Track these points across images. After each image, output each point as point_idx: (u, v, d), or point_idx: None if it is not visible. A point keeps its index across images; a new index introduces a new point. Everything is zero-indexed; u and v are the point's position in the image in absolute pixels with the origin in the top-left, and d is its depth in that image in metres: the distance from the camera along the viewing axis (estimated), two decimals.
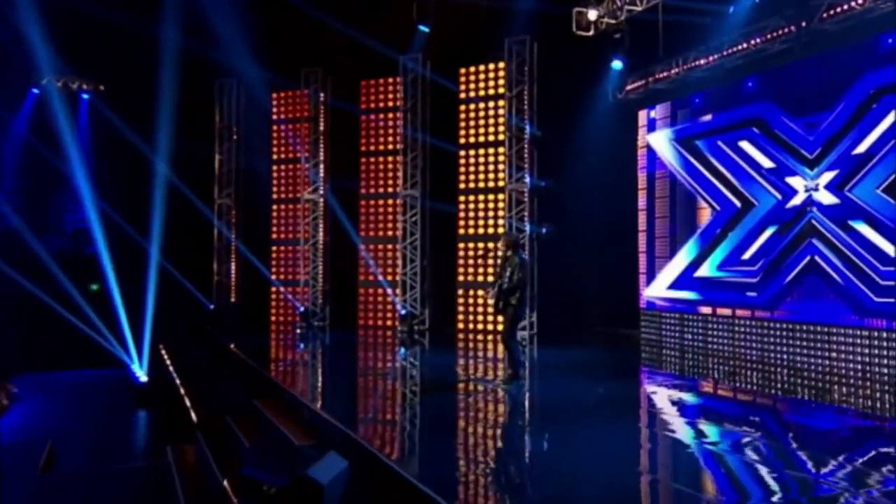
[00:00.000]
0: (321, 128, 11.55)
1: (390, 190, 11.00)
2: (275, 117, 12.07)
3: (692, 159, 7.94)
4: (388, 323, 10.92)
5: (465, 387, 6.12)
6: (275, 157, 12.15)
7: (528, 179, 9.75)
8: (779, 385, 6.42)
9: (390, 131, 11.16)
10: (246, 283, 12.22)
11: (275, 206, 12.10)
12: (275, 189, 12.13)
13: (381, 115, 11.21)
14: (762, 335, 6.99)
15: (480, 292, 10.14)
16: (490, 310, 9.86)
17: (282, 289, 11.75)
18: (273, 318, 11.86)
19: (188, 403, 6.84)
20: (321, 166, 11.42)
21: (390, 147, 11.08)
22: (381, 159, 11.19)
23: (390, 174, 11.04)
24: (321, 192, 11.42)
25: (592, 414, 5.10)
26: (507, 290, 5.81)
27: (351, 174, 11.25)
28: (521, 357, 5.89)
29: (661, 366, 7.53)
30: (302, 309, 11.31)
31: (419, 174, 10.53)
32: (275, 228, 12.06)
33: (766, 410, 5.58)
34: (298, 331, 10.86)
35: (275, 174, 12.15)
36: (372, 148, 11.25)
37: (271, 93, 11.94)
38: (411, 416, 5.21)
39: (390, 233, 10.97)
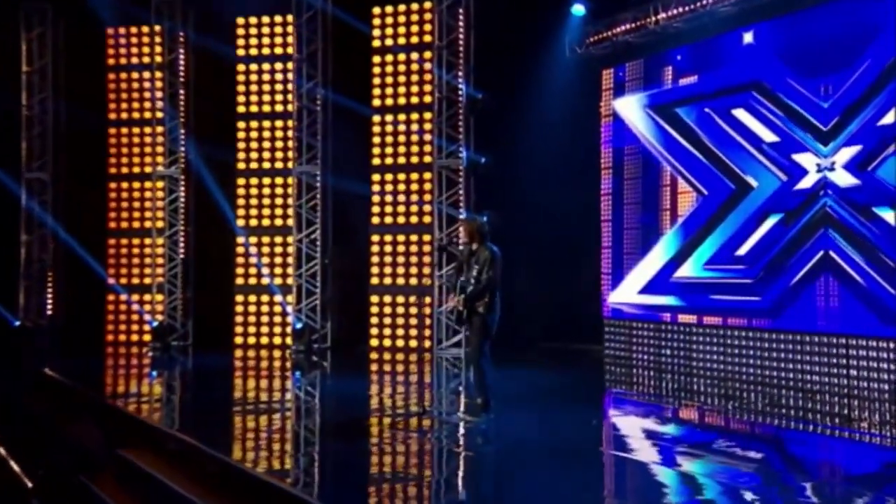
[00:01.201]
0: (181, 79, 10.65)
1: (280, 165, 10.53)
2: (112, 62, 11.09)
3: (672, 131, 7.79)
4: (278, 341, 10.48)
5: (412, 422, 5.85)
6: (112, 116, 11.11)
7: (462, 154, 9.60)
8: (783, 410, 6.41)
9: (279, 87, 10.57)
10: (71, 289, 11.18)
11: (113, 184, 11.12)
12: (113, 160, 11.13)
13: (268, 66, 10.60)
14: (762, 349, 6.92)
15: (412, 299, 9.84)
16: (413, 321, 9.76)
17: (124, 297, 10.93)
18: (111, 337, 10.95)
19: (14, 465, 6.04)
20: (181, 131, 10.54)
21: (279, 108, 10.64)
22: (266, 124, 10.72)
23: (279, 144, 10.60)
24: (182, 165, 10.57)
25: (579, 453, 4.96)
26: (473, 295, 5.47)
27: (225, 143, 10.56)
28: (492, 382, 5.58)
29: (631, 388, 7.58)
30: (155, 324, 10.48)
31: (319, 145, 10.12)
32: (113, 214, 11.09)
33: (769, 444, 5.53)
34: (151, 354, 10.12)
35: (112, 140, 11.12)
36: (254, 108, 10.72)
37: (106, 28, 10.97)
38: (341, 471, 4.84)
39: (279, 221, 10.53)
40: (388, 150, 10.15)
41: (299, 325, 9.97)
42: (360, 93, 10.07)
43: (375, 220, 10.20)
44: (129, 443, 5.59)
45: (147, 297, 10.62)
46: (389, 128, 10.14)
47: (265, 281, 10.41)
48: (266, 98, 10.59)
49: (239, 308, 10.54)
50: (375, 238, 10.19)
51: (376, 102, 10.16)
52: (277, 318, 10.39)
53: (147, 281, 10.69)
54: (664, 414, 6.45)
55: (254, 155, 10.57)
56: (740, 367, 7.05)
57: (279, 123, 10.52)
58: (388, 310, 10.10)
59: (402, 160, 10.10)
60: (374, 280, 10.17)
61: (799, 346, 6.63)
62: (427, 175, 9.91)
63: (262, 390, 7.82)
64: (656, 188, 7.96)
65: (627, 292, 8.21)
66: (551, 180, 9.12)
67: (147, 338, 10.56)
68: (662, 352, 7.82)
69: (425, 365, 9.20)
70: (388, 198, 10.07)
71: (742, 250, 7.11)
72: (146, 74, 10.72)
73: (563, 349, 9.57)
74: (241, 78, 10.60)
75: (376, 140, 10.18)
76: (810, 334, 6.53)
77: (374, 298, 10.15)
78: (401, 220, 10.08)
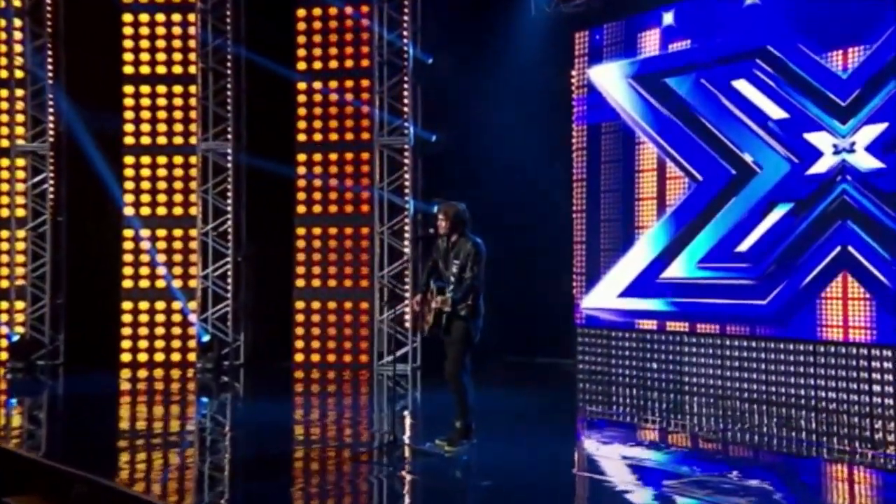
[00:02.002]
0: (48, 28, 10.22)
1: (179, 141, 10.39)
2: None
3: (660, 106, 7.72)
4: (177, 357, 10.38)
5: (368, 455, 5.82)
6: None
7: (409, 131, 9.72)
8: (793, 433, 6.42)
9: (178, 43, 10.30)
10: None
11: None
12: None
13: (163, 16, 10.27)
14: (767, 361, 6.87)
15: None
16: (347, 331, 9.75)
17: None
18: None
19: None
20: (49, 96, 10.19)
21: (178, 70, 10.37)
22: (163, 89, 10.42)
23: (179, 114, 10.40)
24: (50, 139, 10.22)
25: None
26: (460, 295, 5.49)
27: (109, 111, 10.26)
28: (474, 402, 5.63)
29: (610, 408, 7.65)
30: (15, 338, 10.12)
31: (232, 116, 10.14)
32: None
33: (776, 473, 5.53)
34: (9, 375, 9.78)
35: None
36: (146, 70, 10.41)
37: None
38: None
39: (179, 210, 10.44)
40: (317, 123, 10.13)
41: (205, 338, 10.01)
42: (281, 53, 10.00)
43: (301, 209, 10.17)
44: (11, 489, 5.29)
45: (4, 304, 10.17)
46: (318, 97, 10.09)
47: (162, 283, 10.23)
48: (161, 57, 10.29)
49: (127, 317, 10.22)
50: (301, 231, 10.17)
51: (302, 66, 10.07)
52: (177, 330, 10.27)
53: (4, 284, 10.21)
54: (649, 439, 6.46)
55: (146, 127, 10.28)
56: (741, 382, 7.01)
57: (178, 89, 10.31)
58: (316, 318, 10.08)
59: (333, 136, 10.12)
60: (300, 282, 10.14)
61: (811, 357, 6.60)
62: (365, 155, 9.97)
63: (156, 419, 7.67)
64: (640, 173, 7.90)
65: (605, 296, 8.13)
66: (514, 163, 9.17)
67: (4, 356, 10.11)
68: (647, 365, 7.76)
69: (363, 384, 9.21)
70: (318, 182, 10.04)
71: (743, 246, 7.06)
72: (1, 22, 10.20)
73: (527, 363, 9.63)
74: (128, 31, 10.23)
75: (302, 112, 10.17)
76: (825, 344, 6.51)
77: (300, 304, 10.12)
78: (332, 209, 10.08)
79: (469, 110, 9.38)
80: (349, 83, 9.97)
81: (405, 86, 9.61)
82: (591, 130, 8.32)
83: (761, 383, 6.86)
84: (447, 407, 5.76)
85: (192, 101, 10.09)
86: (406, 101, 9.62)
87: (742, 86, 7.06)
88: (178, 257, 10.19)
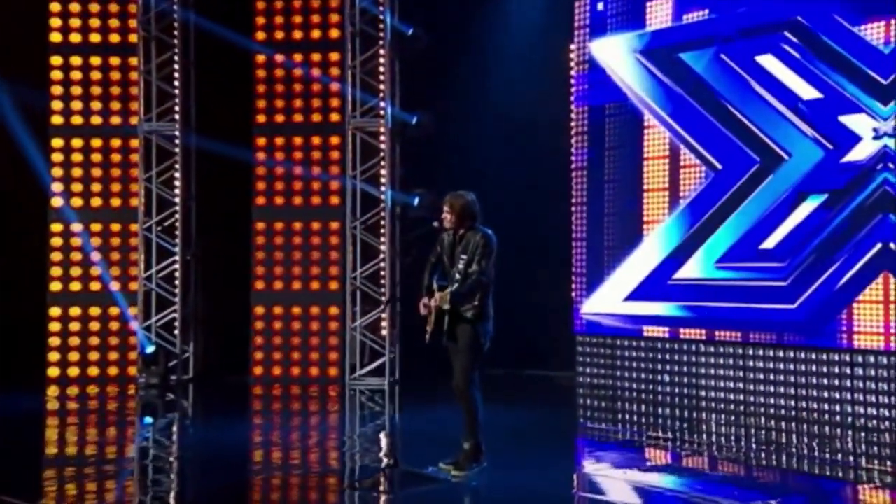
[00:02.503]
0: None
1: (117, 121, 10.25)
2: None
3: (673, 85, 7.67)
4: (114, 372, 10.21)
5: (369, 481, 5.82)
6: None
7: (385, 111, 9.62)
8: (827, 454, 6.40)
9: (114, 7, 10.23)
10: None
11: None
12: None
13: None
14: (797, 373, 6.85)
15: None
16: (314, 340, 9.70)
17: None
18: None
19: None
20: None
21: (115, 39, 10.23)
22: (97, 60, 10.25)
23: (117, 90, 10.28)
24: None
25: None
26: (460, 294, 5.52)
27: (33, 85, 10.00)
28: (484, 420, 5.70)
29: (615, 425, 7.70)
30: None
31: (179, 93, 10.07)
32: None
33: (808, 501, 5.64)
34: None
35: None
36: (77, 38, 10.25)
37: None
38: None
39: (117, 201, 10.31)
40: (280, 102, 10.08)
41: (150, 349, 9.94)
42: (237, 20, 9.93)
43: (261, 200, 10.11)
44: None
45: None
46: (281, 72, 10.02)
47: (97, 286, 10.05)
48: (95, 23, 10.15)
49: (55, 325, 10.05)
50: (261, 225, 10.11)
51: (261, 35, 10.06)
52: (115, 340, 10.15)
53: None
54: (660, 461, 6.52)
55: (77, 105, 10.13)
56: (766, 397, 6.98)
57: (115, 60, 10.12)
58: (278, 325, 10.02)
59: (298, 118, 10.06)
60: (259, 284, 10.07)
61: (847, 368, 6.58)
62: (335, 139, 9.92)
63: (90, 444, 7.59)
64: (650, 160, 7.85)
65: (609, 299, 8.08)
66: (507, 149, 9.25)
67: None
68: (658, 378, 7.72)
69: (332, 401, 9.21)
70: (280, 170, 10.02)
71: (769, 243, 7.03)
72: None
73: (514, 377, 9.64)
74: None
75: (261, 88, 10.09)
76: (862, 353, 6.49)
77: (259, 310, 10.07)
78: (297, 200, 10.04)
79: (455, 88, 9.39)
80: (316, 56, 9.92)
81: (381, 60, 9.62)
82: (593, 112, 8.28)
83: (790, 398, 6.84)
84: (436, 425, 5.82)
85: (133, 75, 10.02)
86: (382, 77, 9.63)
87: (768, 62, 7.03)
88: (116, 255, 10.14)
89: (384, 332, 9.64)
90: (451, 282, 5.55)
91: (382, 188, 9.62)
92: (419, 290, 5.68)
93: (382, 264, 9.63)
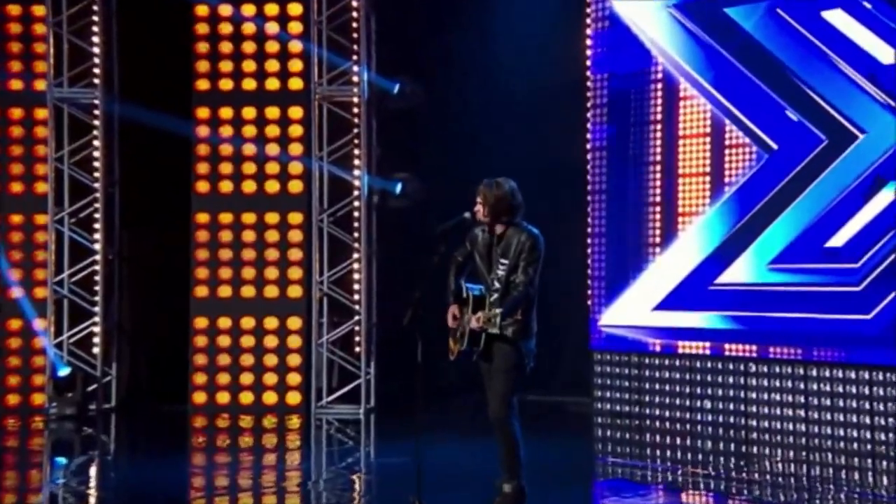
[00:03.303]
0: None
1: (18, 86, 10.25)
2: None
3: (718, 46, 7.61)
4: (15, 400, 10.11)
5: None
6: None
7: (360, 78, 9.62)
8: None
9: None
10: None
11: None
12: None
13: None
14: (874, 398, 6.74)
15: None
16: (270, 360, 9.73)
17: None
18: None
19: None
20: None
21: None
22: None
23: (16, 47, 10.24)
24: None
25: None
26: (512, 306, 5.57)
27: None
28: (525, 455, 5.80)
29: (644, 459, 7.66)
30: None
31: (100, 52, 10.06)
32: None
33: None
34: None
35: None
36: None
37: None
38: None
39: (18, 187, 10.28)
40: (226, 65, 9.99)
41: (62, 371, 9.82)
42: None
43: (203, 186, 10.00)
44: None
45: None
46: (228, 27, 9.97)
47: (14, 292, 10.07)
48: None
49: None
50: (203, 218, 10.01)
51: None
52: (16, 360, 10.10)
53: None
54: None
55: None
56: (834, 427, 6.89)
57: (15, 9, 10.06)
58: (224, 341, 9.89)
59: (250, 84, 9.95)
60: (202, 290, 9.99)
61: None
62: (296, 111, 9.82)
63: None
64: (686, 139, 7.81)
65: (635, 309, 8.07)
66: (510, 125, 9.31)
67: None
68: (696, 404, 7.65)
69: (292, 435, 9.13)
70: (227, 148, 9.90)
71: (838, 240, 6.97)
72: None
73: (517, 402, 9.72)
74: None
75: (204, 48, 10.05)
76: None
77: (202, 322, 9.98)
78: (249, 187, 9.92)
79: (447, 50, 9.37)
80: (273, 8, 9.82)
81: (354, 14, 9.54)
82: (615, 80, 8.28)
83: (864, 428, 6.74)
84: (425, 463, 5.66)
85: (39, 29, 9.90)
86: (356, 35, 9.61)
87: (837, 18, 6.98)
88: (18, 254, 10.09)
89: (358, 349, 9.58)
90: (490, 290, 5.57)
91: (356, 172, 9.59)
92: (404, 303, 5.59)
93: (356, 266, 9.59)
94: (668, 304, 7.83)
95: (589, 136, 8.38)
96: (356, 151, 9.67)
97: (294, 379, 9.68)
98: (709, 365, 7.61)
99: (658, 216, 7.99)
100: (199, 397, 9.87)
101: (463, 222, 5.76)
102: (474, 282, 5.76)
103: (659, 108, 7.97)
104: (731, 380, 7.48)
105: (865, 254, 6.80)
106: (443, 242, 5.67)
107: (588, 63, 8.40)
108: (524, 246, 5.60)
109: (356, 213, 9.74)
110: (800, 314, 7.14)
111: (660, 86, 7.94)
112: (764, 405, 7.29)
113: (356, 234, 9.71)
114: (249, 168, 9.92)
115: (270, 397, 9.75)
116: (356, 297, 9.69)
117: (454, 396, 9.57)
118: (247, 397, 9.83)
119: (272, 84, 9.92)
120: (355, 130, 9.65)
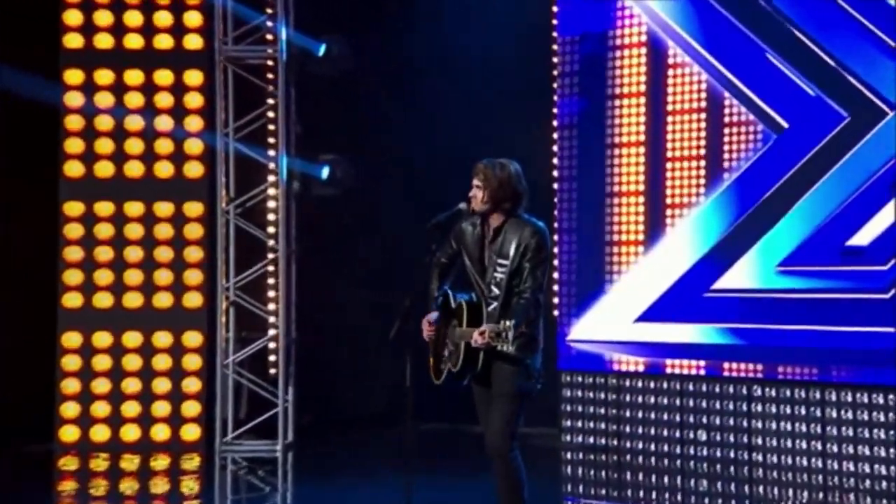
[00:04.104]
0: None
1: None
2: None
3: (716, 3, 7.65)
4: None
5: None
6: None
7: (277, 37, 9.73)
8: None
9: None
10: None
11: None
12: None
13: None
14: None
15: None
16: (163, 386, 9.86)
17: None
18: None
19: None
20: None
21: None
22: None
23: None
24: None
25: None
26: (517, 319, 5.46)
27: None
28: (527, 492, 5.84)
29: (621, 502, 7.91)
30: None
31: None
32: None
33: None
34: None
35: None
36: None
37: None
38: None
39: None
40: (104, 17, 9.97)
41: None
42: None
43: (74, 168, 9.89)
44: None
45: None
46: None
47: None
48: None
49: None
50: (74, 209, 9.96)
51: None
52: None
53: None
54: None
55: None
56: (858, 463, 6.92)
57: None
58: (103, 362, 9.83)
59: (135, 42, 9.96)
60: (73, 299, 9.93)
61: None
62: (195, 76, 9.87)
63: None
64: (675, 115, 7.88)
65: (612, 320, 8.15)
66: (460, 98, 9.53)
67: None
68: (689, 435, 7.67)
69: (189, 477, 9.18)
70: (107, 121, 9.88)
71: (861, 237, 7.00)
72: None
73: (460, 433, 9.83)
74: None
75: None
76: None
77: (72, 338, 9.91)
78: (134, 169, 9.87)
79: (383, 5, 9.51)
80: None
81: None
82: (588, 44, 8.35)
83: (893, 464, 6.76)
84: None
85: None
86: None
87: None
88: None
89: (273, 371, 9.48)
90: (486, 298, 5.53)
91: (271, 153, 9.59)
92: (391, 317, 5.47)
93: (272, 268, 9.51)
94: (653, 314, 7.91)
95: (555, 111, 8.47)
96: (271, 127, 9.75)
97: (192, 409, 9.66)
98: (704, 388, 7.66)
99: (641, 208, 8.05)
100: (69, 434, 9.79)
101: (459, 214, 5.67)
102: (460, 289, 5.74)
103: (643, 78, 8.03)
104: (731, 406, 7.52)
105: (895, 254, 6.84)
106: (435, 240, 5.59)
107: (554, 21, 8.48)
108: (529, 245, 5.52)
109: (271, 204, 9.80)
110: (815, 326, 7.19)
111: (644, 50, 8.03)
112: (772, 437, 7.32)
113: (271, 230, 9.67)
114: (135, 146, 9.86)
115: (161, 432, 9.72)
116: (271, 306, 9.71)
117: (387, 427, 9.70)
118: (130, 432, 9.79)
119: (164, 41, 9.91)
120: (270, 101, 9.72)
